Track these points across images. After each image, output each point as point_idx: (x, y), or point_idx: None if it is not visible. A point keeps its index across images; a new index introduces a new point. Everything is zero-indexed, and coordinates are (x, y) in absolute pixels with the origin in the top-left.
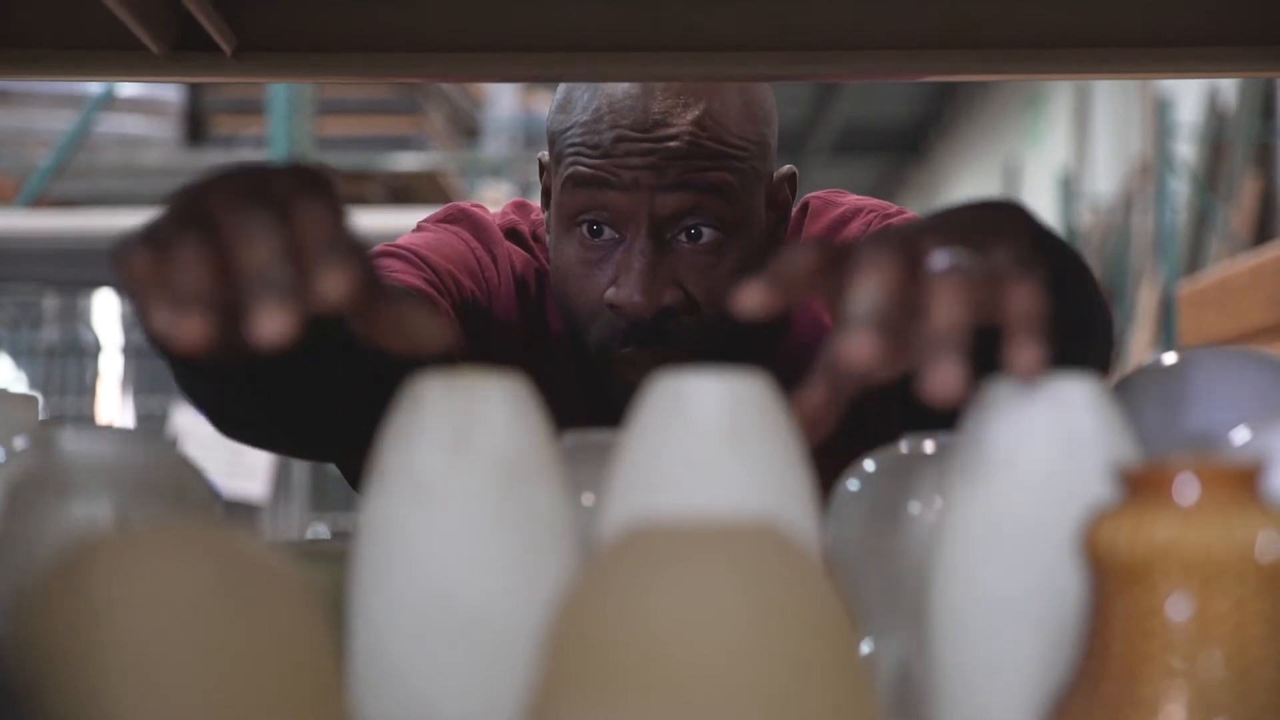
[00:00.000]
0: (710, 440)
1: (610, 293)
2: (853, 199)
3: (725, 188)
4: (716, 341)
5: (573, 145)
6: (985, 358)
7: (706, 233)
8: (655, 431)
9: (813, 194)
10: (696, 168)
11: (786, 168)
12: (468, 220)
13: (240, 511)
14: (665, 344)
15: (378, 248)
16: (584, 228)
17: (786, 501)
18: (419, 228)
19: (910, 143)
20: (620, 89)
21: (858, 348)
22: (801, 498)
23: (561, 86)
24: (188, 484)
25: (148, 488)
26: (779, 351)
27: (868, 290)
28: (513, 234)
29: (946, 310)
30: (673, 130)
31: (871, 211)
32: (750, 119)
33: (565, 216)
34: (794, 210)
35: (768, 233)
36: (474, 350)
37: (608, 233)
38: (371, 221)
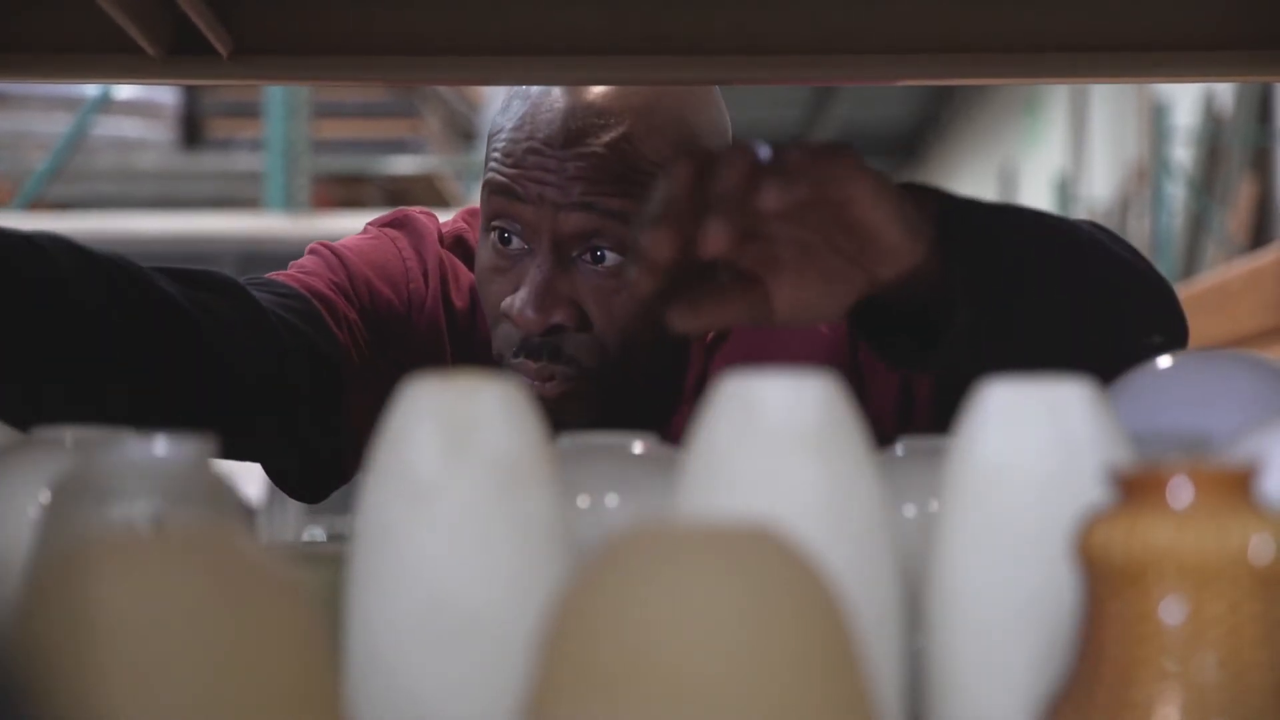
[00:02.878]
0: (779, 442)
1: (505, 303)
2: None
3: (630, 214)
4: (610, 361)
5: (496, 150)
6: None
7: (609, 256)
8: (723, 434)
9: None
10: (602, 191)
11: None
12: (409, 227)
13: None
14: (554, 359)
15: (311, 245)
16: (495, 235)
17: (856, 504)
18: (364, 229)
19: (908, 146)
20: (548, 100)
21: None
22: (871, 500)
23: (509, 89)
24: (221, 492)
25: (183, 495)
26: (676, 376)
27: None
28: (459, 242)
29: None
30: (584, 150)
31: None
32: (679, 145)
33: (483, 220)
34: None
35: None
36: (388, 358)
37: (516, 243)
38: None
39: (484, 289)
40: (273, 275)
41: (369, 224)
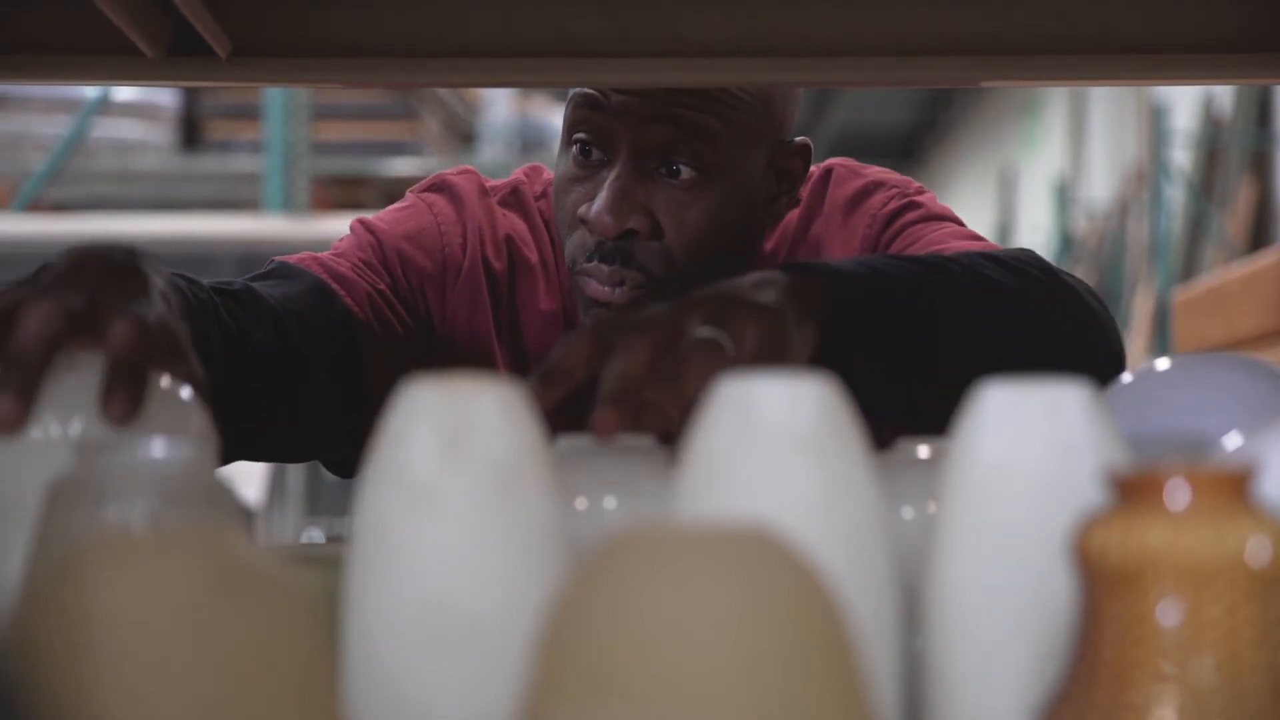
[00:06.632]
0: (776, 444)
1: (583, 209)
2: (875, 170)
3: (709, 131)
4: (678, 272)
5: None
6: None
7: (685, 171)
8: (721, 436)
9: (834, 160)
10: (684, 104)
11: (800, 139)
12: (447, 191)
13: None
14: (625, 265)
15: (353, 221)
16: (576, 147)
17: (854, 506)
18: (405, 196)
19: (906, 149)
20: None
21: (603, 423)
22: (869, 502)
23: None
24: (219, 494)
25: (181, 497)
26: None
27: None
28: (514, 194)
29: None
30: None
31: (894, 187)
32: None
33: (565, 132)
34: (815, 174)
35: (766, 197)
36: (427, 321)
37: (596, 154)
38: None
39: (561, 199)
40: (304, 258)
41: (409, 191)
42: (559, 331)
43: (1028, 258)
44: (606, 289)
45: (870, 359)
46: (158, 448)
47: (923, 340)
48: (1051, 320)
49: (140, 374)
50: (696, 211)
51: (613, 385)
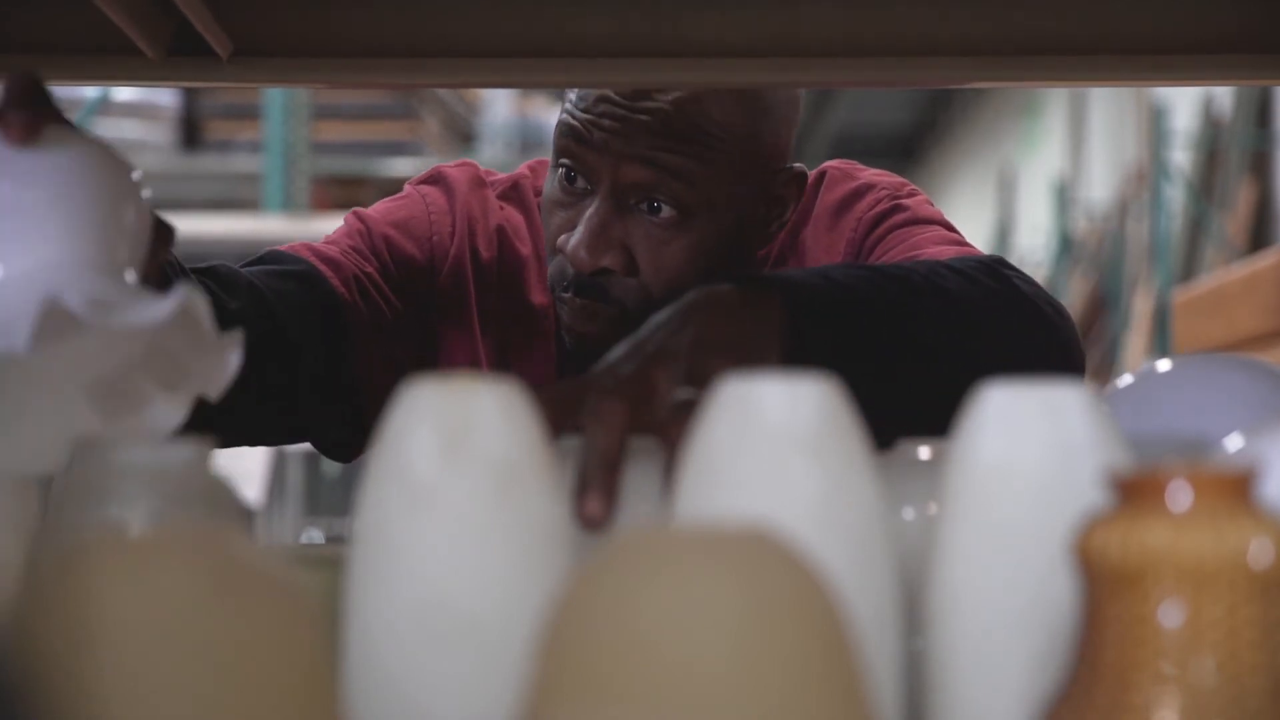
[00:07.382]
0: (777, 445)
1: (562, 239)
2: (868, 173)
3: (688, 172)
4: (654, 308)
5: (571, 92)
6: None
7: (665, 210)
8: (721, 436)
9: (830, 163)
10: (663, 146)
11: (795, 166)
12: (441, 183)
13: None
14: (600, 300)
15: (348, 213)
16: (562, 171)
17: (854, 506)
18: (403, 187)
19: (906, 150)
20: None
21: (589, 508)
22: (869, 503)
23: None
24: (219, 494)
25: (182, 496)
26: None
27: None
28: (513, 188)
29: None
30: (651, 104)
31: (883, 189)
32: (744, 110)
33: (553, 155)
34: (809, 178)
35: (756, 223)
36: (415, 306)
37: (580, 183)
38: None
39: (546, 219)
40: (295, 245)
41: (407, 183)
42: (548, 324)
43: (991, 265)
44: (580, 321)
45: (827, 371)
46: (157, 447)
47: (879, 351)
48: (1006, 330)
49: (38, 94)
50: (675, 249)
51: (594, 467)
